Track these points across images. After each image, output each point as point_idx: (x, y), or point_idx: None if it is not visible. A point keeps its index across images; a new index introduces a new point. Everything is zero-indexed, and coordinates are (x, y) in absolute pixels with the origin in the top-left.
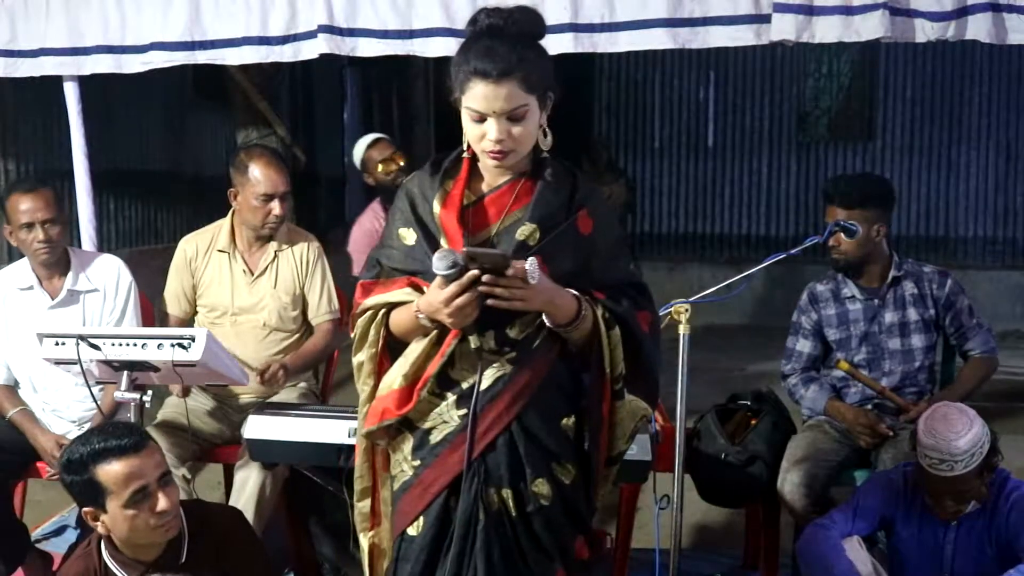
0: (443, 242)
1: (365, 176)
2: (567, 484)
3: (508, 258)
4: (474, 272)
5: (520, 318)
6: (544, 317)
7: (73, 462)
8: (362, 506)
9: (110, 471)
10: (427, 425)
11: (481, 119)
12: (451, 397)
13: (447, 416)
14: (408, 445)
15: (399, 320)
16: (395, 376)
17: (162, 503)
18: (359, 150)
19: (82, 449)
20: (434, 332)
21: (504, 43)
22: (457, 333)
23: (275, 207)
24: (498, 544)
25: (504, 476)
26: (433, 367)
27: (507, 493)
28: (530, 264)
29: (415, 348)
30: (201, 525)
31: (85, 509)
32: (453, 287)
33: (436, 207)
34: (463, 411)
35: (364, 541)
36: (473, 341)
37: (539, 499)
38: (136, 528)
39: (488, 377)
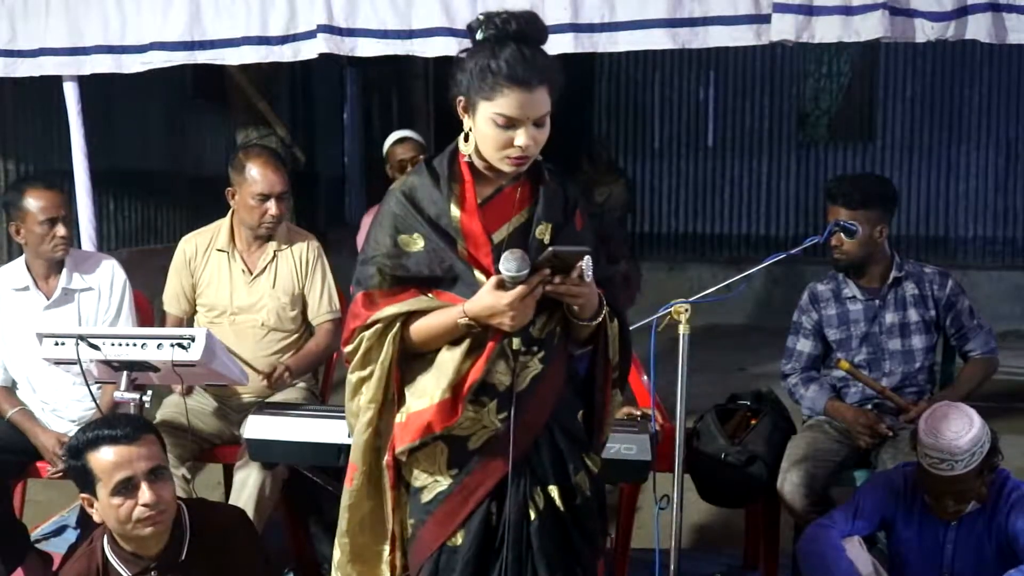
0: (461, 245)
1: (387, 168)
2: (596, 473)
3: (585, 254)
4: (547, 272)
5: (539, 316)
6: (571, 311)
7: (72, 448)
8: (364, 539)
9: (99, 459)
10: (464, 433)
11: (510, 125)
12: (489, 402)
13: (487, 421)
14: (443, 456)
15: (425, 328)
16: (433, 389)
17: (146, 496)
18: (388, 143)
19: (83, 436)
20: (467, 340)
21: (532, 49)
22: (500, 337)
23: (271, 207)
24: (552, 542)
25: (549, 473)
26: (477, 374)
27: (553, 490)
28: (586, 262)
29: (449, 357)
30: (203, 523)
31: (82, 495)
32: (521, 288)
33: (455, 211)
34: (503, 414)
35: (352, 572)
36: (516, 343)
37: (583, 491)
38: (121, 518)
39: (525, 378)
